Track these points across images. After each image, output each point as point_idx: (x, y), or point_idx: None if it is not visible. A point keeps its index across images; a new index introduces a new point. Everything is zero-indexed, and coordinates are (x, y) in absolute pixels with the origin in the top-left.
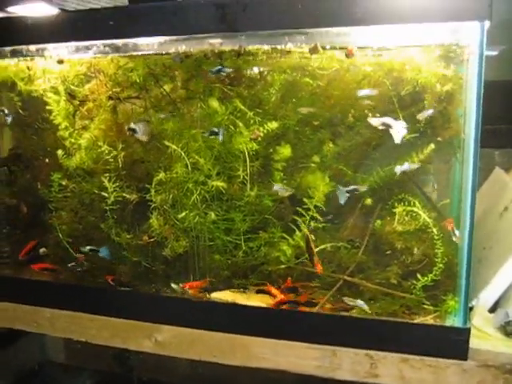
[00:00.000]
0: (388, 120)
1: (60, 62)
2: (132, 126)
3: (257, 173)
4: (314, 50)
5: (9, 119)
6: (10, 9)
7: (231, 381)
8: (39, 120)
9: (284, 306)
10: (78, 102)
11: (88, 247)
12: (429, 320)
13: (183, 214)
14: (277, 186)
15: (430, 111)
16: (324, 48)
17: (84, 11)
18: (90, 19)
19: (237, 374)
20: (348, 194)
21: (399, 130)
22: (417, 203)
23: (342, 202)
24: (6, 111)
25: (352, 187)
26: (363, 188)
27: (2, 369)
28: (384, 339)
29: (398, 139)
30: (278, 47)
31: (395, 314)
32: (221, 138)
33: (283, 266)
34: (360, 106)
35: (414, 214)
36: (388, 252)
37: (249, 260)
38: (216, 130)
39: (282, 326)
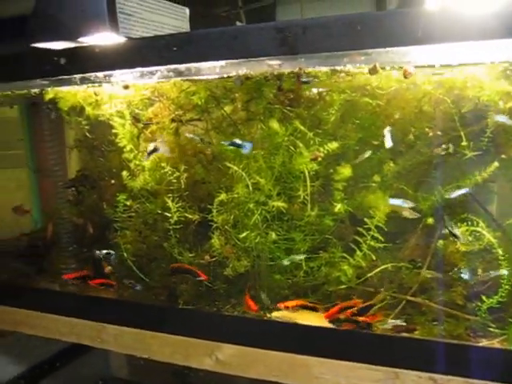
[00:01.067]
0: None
1: (126, 87)
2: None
3: (317, 192)
4: (373, 71)
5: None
6: (81, 39)
7: None
8: (105, 143)
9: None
10: (142, 125)
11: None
12: (495, 344)
13: (244, 233)
14: (394, 201)
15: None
16: (383, 68)
17: (148, 38)
18: (154, 46)
19: None
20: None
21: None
22: (480, 223)
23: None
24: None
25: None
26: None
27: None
28: (448, 362)
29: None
30: (338, 68)
31: (460, 336)
32: (245, 151)
33: (343, 286)
34: (420, 125)
35: (478, 234)
36: (451, 272)
37: (309, 280)
38: (238, 142)
39: (343, 346)
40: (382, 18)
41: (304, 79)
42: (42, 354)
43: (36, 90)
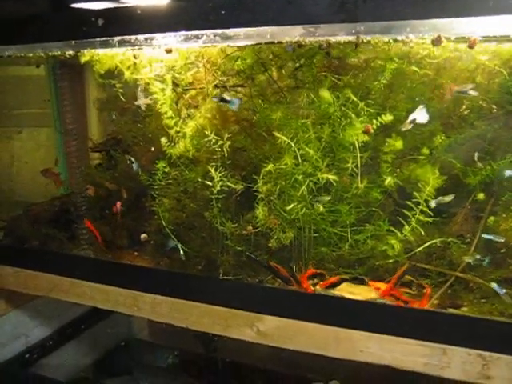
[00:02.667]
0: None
1: (168, 51)
2: (227, 98)
3: (365, 165)
4: (437, 42)
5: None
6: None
7: (311, 365)
8: (141, 107)
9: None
10: (181, 90)
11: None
12: None
13: (291, 205)
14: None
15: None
16: (448, 39)
17: (196, 0)
18: (201, 8)
19: (317, 361)
20: None
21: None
22: None
23: None
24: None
25: None
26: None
27: (91, 345)
28: (498, 340)
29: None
30: (399, 38)
31: (510, 315)
32: (234, 107)
33: (391, 261)
34: (474, 97)
35: None
36: (502, 249)
37: (355, 253)
38: (227, 97)
39: (390, 321)
40: None
41: None
42: (68, 317)
43: (71, 52)
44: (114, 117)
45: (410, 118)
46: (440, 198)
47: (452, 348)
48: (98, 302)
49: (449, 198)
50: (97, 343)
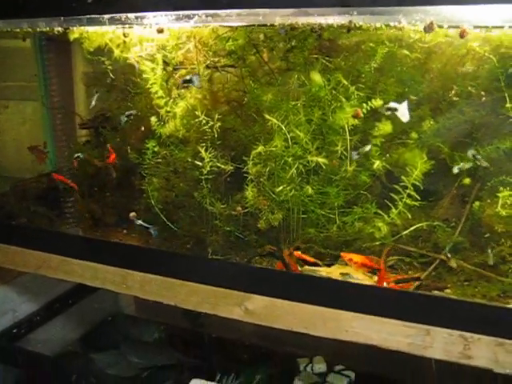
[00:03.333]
0: (393, 104)
1: (160, 31)
2: (187, 77)
3: (354, 148)
4: (429, 28)
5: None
6: None
7: (296, 342)
8: (130, 85)
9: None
10: (174, 71)
11: (139, 221)
12: None
13: (280, 187)
14: None
15: None
16: (440, 26)
17: None
18: None
19: (303, 338)
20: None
21: (404, 112)
22: None
23: None
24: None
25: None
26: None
27: (78, 320)
28: (479, 322)
29: (405, 119)
30: (391, 24)
31: (491, 297)
32: (196, 84)
33: (377, 243)
34: (463, 83)
35: None
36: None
37: (342, 235)
38: (188, 77)
39: (375, 301)
40: None
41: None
42: (56, 293)
43: (59, 29)
44: (96, 94)
45: (390, 104)
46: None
47: (435, 329)
48: (87, 279)
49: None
50: (84, 318)
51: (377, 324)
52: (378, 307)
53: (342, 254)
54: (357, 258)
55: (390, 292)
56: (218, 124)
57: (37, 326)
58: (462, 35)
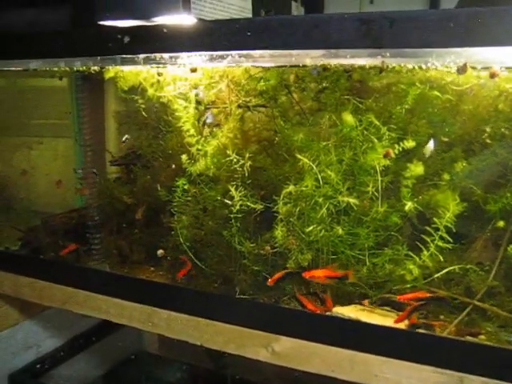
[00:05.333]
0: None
1: (193, 70)
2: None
3: (385, 189)
4: (462, 70)
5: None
6: (152, 18)
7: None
8: (162, 124)
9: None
10: (203, 108)
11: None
12: None
13: (311, 227)
14: None
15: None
16: (474, 68)
17: (222, 21)
18: (228, 29)
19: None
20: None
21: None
22: None
23: None
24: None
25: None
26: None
27: (101, 357)
28: None
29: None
30: (423, 66)
31: None
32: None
33: (408, 286)
34: (497, 124)
35: None
36: None
37: (372, 276)
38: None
39: (407, 346)
40: (480, 16)
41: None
42: (80, 328)
43: (95, 68)
44: (126, 138)
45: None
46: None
47: (469, 377)
48: (113, 316)
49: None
50: (107, 355)
51: (407, 369)
52: (409, 352)
53: (303, 274)
54: (318, 272)
55: (422, 336)
56: (249, 163)
57: (60, 361)
58: (492, 76)
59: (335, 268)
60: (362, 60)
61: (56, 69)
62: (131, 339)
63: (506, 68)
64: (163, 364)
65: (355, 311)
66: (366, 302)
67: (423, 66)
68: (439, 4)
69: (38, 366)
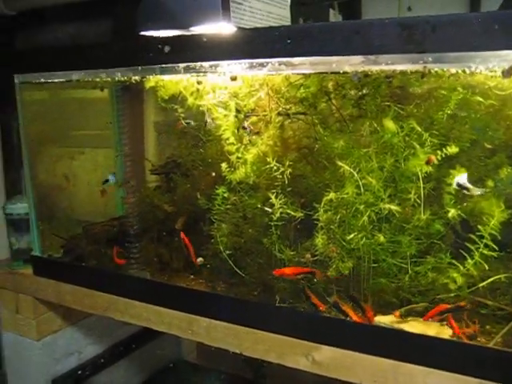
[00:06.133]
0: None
1: (233, 78)
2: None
3: (427, 196)
4: (508, 73)
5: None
6: (192, 28)
7: None
8: (202, 132)
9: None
10: (243, 117)
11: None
12: None
13: (352, 235)
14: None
15: None
16: None
17: (262, 29)
18: (267, 37)
19: None
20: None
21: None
22: None
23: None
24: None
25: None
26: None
27: (140, 365)
28: None
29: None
30: (466, 70)
31: None
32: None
33: (452, 295)
34: None
35: None
36: None
37: (414, 285)
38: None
39: (452, 357)
40: None
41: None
42: (120, 336)
43: (136, 78)
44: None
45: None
46: None
47: None
48: (153, 323)
49: None
50: (146, 363)
51: (452, 381)
52: (454, 363)
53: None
54: (288, 270)
55: (467, 347)
56: (289, 170)
57: (101, 368)
58: None
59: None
60: (402, 65)
61: (98, 79)
62: (170, 348)
63: None
64: (201, 373)
65: (397, 320)
66: (396, 313)
67: (467, 71)
68: (480, 7)
69: (80, 372)
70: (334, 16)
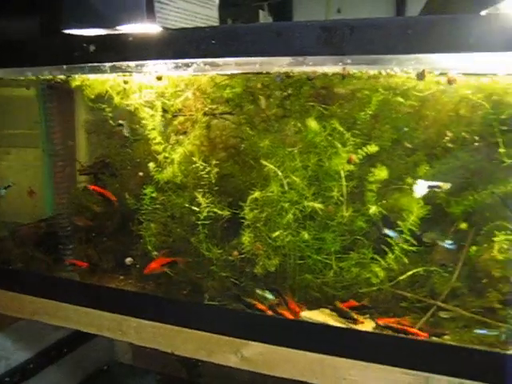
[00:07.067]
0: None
1: (159, 78)
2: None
3: (350, 193)
4: (421, 76)
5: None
6: (117, 27)
7: None
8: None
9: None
10: (170, 117)
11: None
12: None
13: (277, 233)
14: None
15: None
16: (431, 73)
17: (187, 30)
18: (192, 37)
19: None
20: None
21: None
22: None
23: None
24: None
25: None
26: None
27: (73, 369)
28: (479, 369)
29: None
30: (383, 72)
31: (490, 343)
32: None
33: (374, 288)
34: (457, 129)
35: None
36: (484, 279)
37: (339, 280)
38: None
39: (374, 349)
40: (435, 23)
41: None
42: (50, 340)
43: (62, 76)
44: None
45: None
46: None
47: (435, 376)
48: (83, 325)
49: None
50: (79, 367)
51: (375, 372)
52: (377, 354)
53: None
54: (154, 264)
55: (388, 339)
56: (216, 170)
57: (30, 374)
58: (449, 82)
59: (165, 255)
60: (323, 67)
61: (23, 78)
62: (104, 350)
63: (464, 74)
64: (136, 374)
65: (323, 315)
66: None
67: (383, 73)
68: (405, 12)
69: (7, 379)
70: (264, 17)
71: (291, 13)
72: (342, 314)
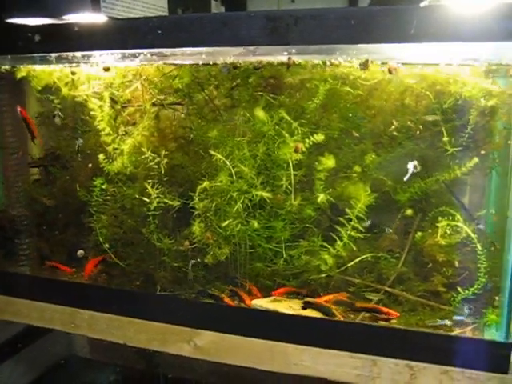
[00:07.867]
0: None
1: (106, 69)
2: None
3: (299, 182)
4: (364, 66)
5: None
6: (61, 17)
7: (252, 379)
8: (79, 123)
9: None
10: (119, 107)
11: None
12: (467, 333)
13: (226, 222)
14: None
15: None
16: (374, 63)
17: (133, 20)
18: (138, 28)
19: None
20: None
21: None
22: (458, 216)
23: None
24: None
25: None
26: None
27: (28, 364)
28: (424, 351)
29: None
30: (327, 62)
31: (436, 326)
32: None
33: (323, 275)
34: (403, 118)
35: (456, 228)
36: (429, 264)
37: (289, 268)
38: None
39: (322, 334)
40: (377, 14)
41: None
42: (3, 336)
43: (6, 67)
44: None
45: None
46: None
47: (381, 359)
48: (34, 319)
49: None
50: (35, 362)
51: (324, 356)
52: (326, 339)
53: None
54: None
55: (337, 324)
56: (165, 160)
57: None
58: (390, 71)
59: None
60: (269, 57)
61: None
62: (60, 344)
63: (404, 64)
64: (94, 367)
65: (273, 302)
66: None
67: (327, 62)
68: (357, 3)
69: None
70: (217, 7)
71: (245, 3)
72: (319, 309)
